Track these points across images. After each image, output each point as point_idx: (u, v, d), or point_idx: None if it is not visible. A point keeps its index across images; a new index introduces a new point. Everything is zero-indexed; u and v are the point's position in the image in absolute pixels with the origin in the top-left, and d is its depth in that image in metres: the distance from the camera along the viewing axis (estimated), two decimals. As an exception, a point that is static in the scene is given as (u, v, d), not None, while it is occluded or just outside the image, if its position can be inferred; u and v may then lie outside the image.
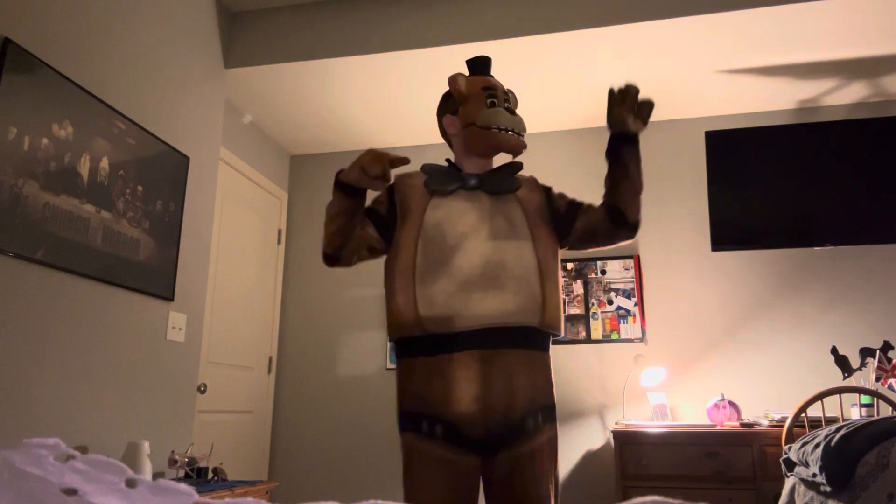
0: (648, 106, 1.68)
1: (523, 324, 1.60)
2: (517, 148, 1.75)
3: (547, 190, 1.81)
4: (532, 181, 1.81)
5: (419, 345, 1.62)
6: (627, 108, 1.66)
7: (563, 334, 1.73)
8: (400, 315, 1.63)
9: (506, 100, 1.80)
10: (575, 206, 1.78)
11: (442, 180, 1.72)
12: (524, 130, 1.77)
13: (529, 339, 1.62)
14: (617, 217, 1.71)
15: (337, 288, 4.15)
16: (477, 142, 1.75)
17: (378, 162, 1.60)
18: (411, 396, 1.62)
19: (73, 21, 2.36)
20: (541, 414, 1.61)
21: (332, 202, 1.71)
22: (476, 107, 1.77)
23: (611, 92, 1.68)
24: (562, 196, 1.81)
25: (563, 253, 3.76)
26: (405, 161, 1.67)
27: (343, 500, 3.66)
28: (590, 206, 1.78)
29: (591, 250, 3.65)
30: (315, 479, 3.90)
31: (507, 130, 1.73)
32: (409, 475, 1.59)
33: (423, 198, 1.72)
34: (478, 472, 1.60)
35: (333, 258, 1.73)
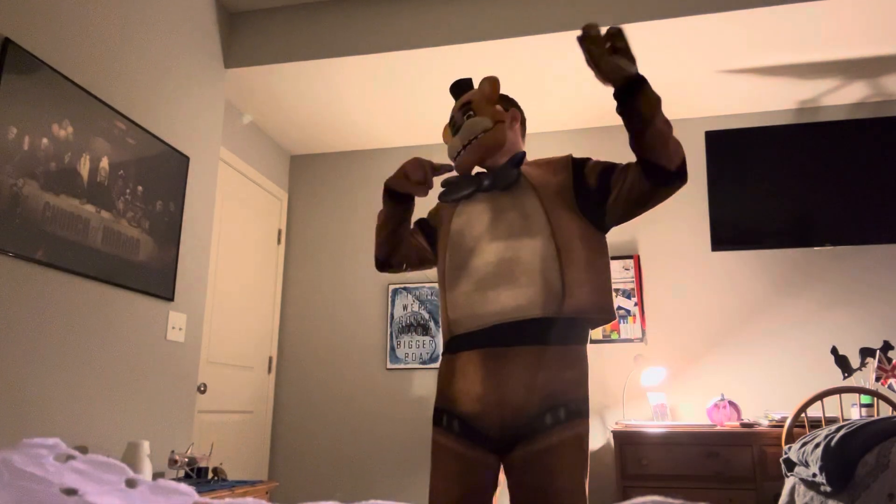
0: (619, 37, 1.42)
1: (537, 316, 1.54)
2: (471, 165, 1.70)
3: (580, 166, 1.67)
4: (557, 162, 1.71)
5: (446, 345, 1.71)
6: (605, 51, 1.42)
7: (610, 315, 1.61)
8: (442, 320, 1.73)
9: (464, 111, 1.74)
10: (608, 177, 1.62)
11: (451, 190, 1.74)
12: (483, 128, 1.67)
13: (549, 332, 1.55)
14: (652, 171, 1.51)
15: (337, 288, 4.15)
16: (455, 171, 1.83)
17: (420, 168, 1.73)
18: (438, 393, 1.70)
19: (73, 21, 2.36)
20: (564, 409, 1.52)
21: (381, 210, 1.84)
22: (447, 140, 1.81)
23: (584, 38, 1.42)
24: (595, 168, 1.65)
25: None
26: (448, 168, 1.76)
27: (343, 500, 3.65)
28: (626, 168, 1.60)
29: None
30: (315, 479, 3.90)
31: (460, 152, 1.71)
32: (432, 466, 1.66)
33: (450, 208, 1.78)
34: (493, 470, 1.60)
35: (384, 263, 1.88)
